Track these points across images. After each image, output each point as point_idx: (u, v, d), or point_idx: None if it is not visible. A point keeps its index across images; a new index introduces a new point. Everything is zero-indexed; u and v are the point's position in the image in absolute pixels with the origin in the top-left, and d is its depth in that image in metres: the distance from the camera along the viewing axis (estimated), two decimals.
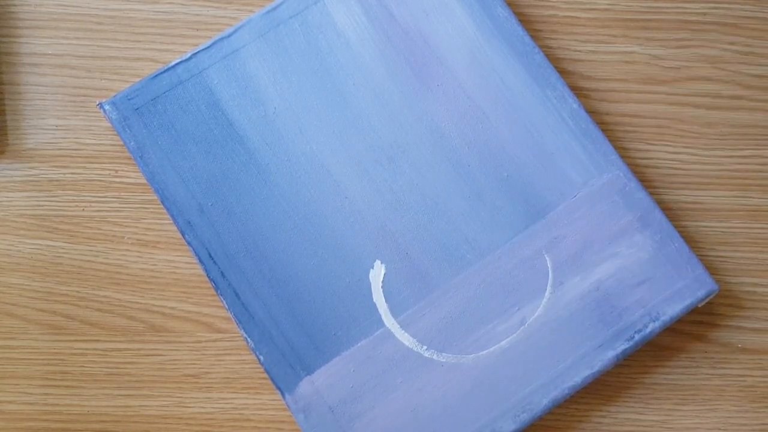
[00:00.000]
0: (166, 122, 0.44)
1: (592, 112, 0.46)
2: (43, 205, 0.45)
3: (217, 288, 0.42)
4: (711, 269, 0.45)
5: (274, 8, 0.46)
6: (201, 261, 0.42)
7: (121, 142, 0.45)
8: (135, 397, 0.43)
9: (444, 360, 0.42)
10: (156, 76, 0.44)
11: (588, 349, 0.42)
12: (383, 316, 0.42)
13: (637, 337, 0.42)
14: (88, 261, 0.45)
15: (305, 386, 0.41)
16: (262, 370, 0.43)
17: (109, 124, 0.45)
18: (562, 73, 0.46)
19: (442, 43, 0.46)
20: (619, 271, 0.43)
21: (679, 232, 0.43)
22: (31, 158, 0.46)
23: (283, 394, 0.41)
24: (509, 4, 0.46)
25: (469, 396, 0.41)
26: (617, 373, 0.44)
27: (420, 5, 0.46)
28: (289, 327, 0.42)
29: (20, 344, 0.44)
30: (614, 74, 0.48)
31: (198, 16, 0.48)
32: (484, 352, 0.42)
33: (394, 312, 0.42)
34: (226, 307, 0.42)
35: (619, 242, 0.43)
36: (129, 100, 0.44)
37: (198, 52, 0.45)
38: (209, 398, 0.44)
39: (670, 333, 0.45)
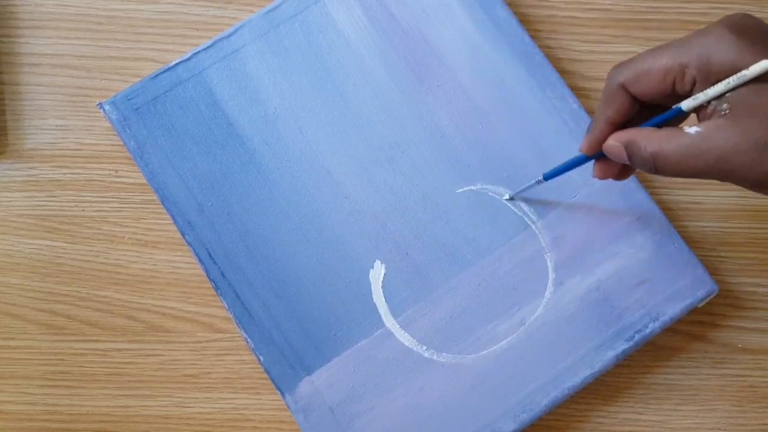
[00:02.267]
0: (166, 122, 0.44)
1: (592, 113, 0.46)
2: (43, 205, 0.45)
3: (217, 288, 0.42)
4: (711, 269, 0.45)
5: (274, 8, 0.45)
6: (201, 261, 0.42)
7: (121, 142, 0.45)
8: (135, 397, 0.43)
9: (444, 360, 0.42)
10: (156, 76, 0.44)
11: (588, 349, 0.42)
12: (383, 316, 0.42)
13: (637, 337, 0.42)
14: (88, 261, 0.45)
15: (305, 386, 0.41)
16: (262, 370, 0.43)
17: (109, 124, 0.45)
18: (562, 73, 0.46)
19: (442, 43, 0.46)
20: (619, 271, 0.43)
21: (679, 232, 0.43)
22: (31, 158, 0.46)
23: (283, 394, 0.41)
24: (509, 4, 0.46)
25: (469, 396, 0.41)
26: (617, 373, 0.44)
27: (420, 5, 0.46)
28: (289, 327, 0.42)
29: (20, 344, 0.44)
30: None
31: (198, 16, 0.48)
32: (484, 352, 0.42)
33: (394, 312, 0.42)
34: (226, 307, 0.42)
35: (619, 242, 0.43)
36: (129, 100, 0.44)
37: (198, 52, 0.45)
38: (209, 398, 0.44)
39: (670, 333, 0.45)
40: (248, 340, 0.42)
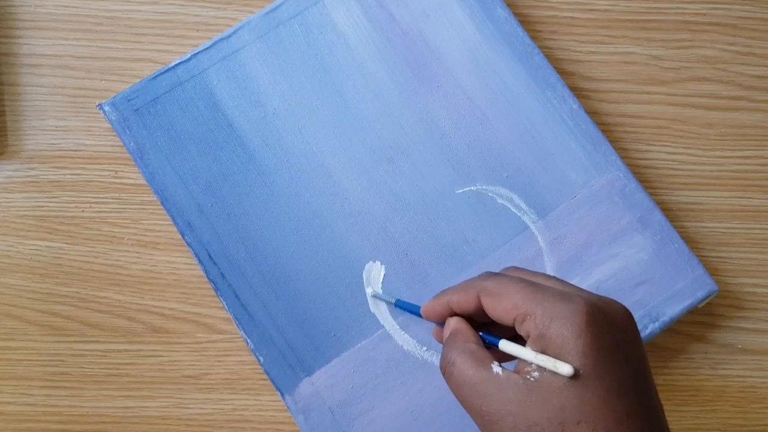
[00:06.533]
0: (165, 123, 0.44)
1: (591, 113, 0.46)
2: (43, 206, 0.45)
3: (216, 289, 0.42)
4: (711, 270, 0.45)
5: (274, 9, 0.45)
6: (201, 262, 0.42)
7: (121, 143, 0.45)
8: (135, 398, 0.43)
9: None
10: (156, 77, 0.44)
11: None
12: (383, 317, 0.42)
13: None
14: (88, 262, 0.45)
15: (305, 387, 0.41)
16: (261, 371, 0.43)
17: (108, 125, 0.45)
18: (562, 73, 0.46)
19: (442, 44, 0.46)
20: (619, 272, 0.43)
21: (678, 232, 0.43)
22: (31, 159, 0.46)
23: (282, 395, 0.41)
24: (509, 5, 0.46)
25: None
26: None
27: (420, 6, 0.46)
28: (288, 328, 0.42)
29: (20, 345, 0.44)
30: (614, 75, 0.48)
31: (198, 17, 0.48)
32: None
33: (394, 313, 0.42)
34: (226, 308, 0.42)
35: (619, 243, 0.43)
36: (129, 101, 0.44)
37: (198, 52, 0.45)
38: (209, 399, 0.44)
39: (670, 333, 0.45)
40: (248, 341, 0.42)
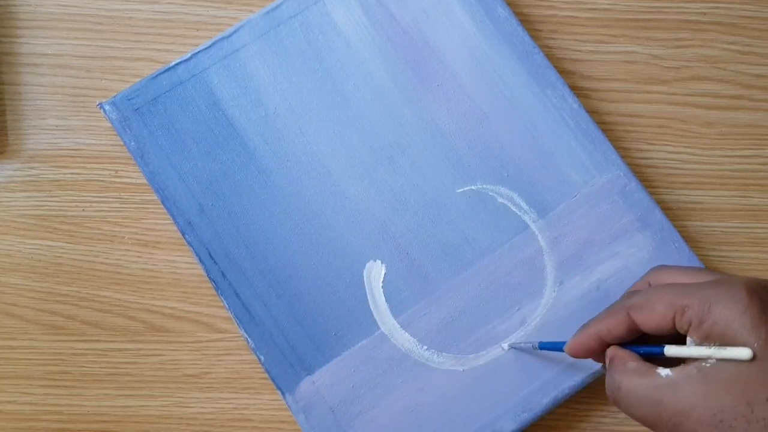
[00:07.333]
0: (166, 122, 0.44)
1: (592, 112, 0.46)
2: (43, 206, 0.45)
3: (217, 288, 0.42)
4: (711, 269, 0.45)
5: (274, 8, 0.45)
6: (201, 261, 0.42)
7: (122, 143, 0.45)
8: (135, 397, 0.43)
9: (444, 360, 0.42)
10: (156, 76, 0.44)
11: None
12: (383, 317, 0.42)
13: None
14: (89, 261, 0.45)
15: (306, 386, 0.41)
16: (262, 370, 0.43)
17: (109, 125, 0.45)
18: (562, 73, 0.46)
19: (443, 43, 0.46)
20: (619, 271, 0.43)
21: (679, 232, 0.43)
22: (32, 158, 0.46)
23: (283, 394, 0.41)
24: (509, 4, 0.46)
25: (470, 396, 0.41)
26: None
27: (420, 5, 0.46)
28: (289, 327, 0.42)
29: (20, 344, 0.44)
30: (614, 74, 0.48)
31: (198, 16, 0.48)
32: (485, 352, 0.42)
33: (395, 312, 0.42)
34: (227, 307, 0.42)
35: (619, 242, 0.43)
36: (129, 100, 0.44)
37: (198, 52, 0.45)
38: (209, 398, 0.44)
39: None
40: (248, 340, 0.42)
